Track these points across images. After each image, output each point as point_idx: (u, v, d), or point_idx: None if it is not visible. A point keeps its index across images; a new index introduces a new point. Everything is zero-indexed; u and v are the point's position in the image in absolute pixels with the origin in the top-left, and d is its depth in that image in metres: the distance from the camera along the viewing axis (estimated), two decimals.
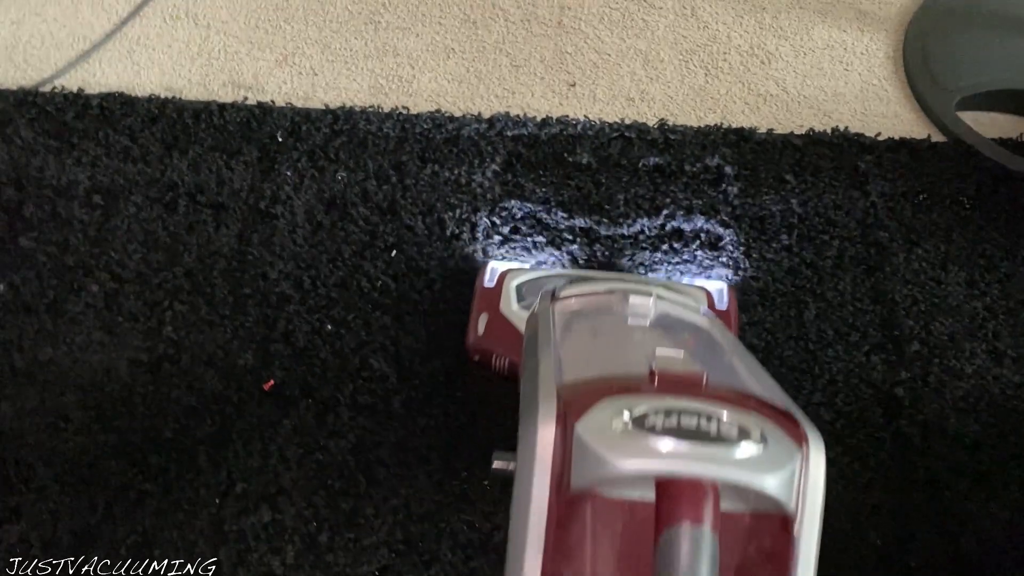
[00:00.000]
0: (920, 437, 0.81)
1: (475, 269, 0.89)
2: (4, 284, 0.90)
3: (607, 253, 0.91)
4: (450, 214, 0.94)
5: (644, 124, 1.00)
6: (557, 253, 0.90)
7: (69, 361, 0.86)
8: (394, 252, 0.92)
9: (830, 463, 0.79)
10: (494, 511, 0.78)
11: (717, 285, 0.85)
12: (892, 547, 0.76)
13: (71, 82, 1.06)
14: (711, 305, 0.81)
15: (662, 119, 1.01)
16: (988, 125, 1.00)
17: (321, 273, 0.90)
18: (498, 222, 0.93)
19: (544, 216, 0.93)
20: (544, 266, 0.89)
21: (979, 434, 0.81)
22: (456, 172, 0.97)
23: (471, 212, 0.94)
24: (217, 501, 0.79)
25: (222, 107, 1.02)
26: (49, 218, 0.95)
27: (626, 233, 0.92)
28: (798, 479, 0.39)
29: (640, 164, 0.96)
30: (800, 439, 0.40)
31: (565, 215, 0.93)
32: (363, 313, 0.88)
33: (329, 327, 0.87)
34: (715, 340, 0.58)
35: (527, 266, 0.87)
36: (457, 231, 0.93)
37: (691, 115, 1.02)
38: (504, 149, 0.98)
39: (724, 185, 0.95)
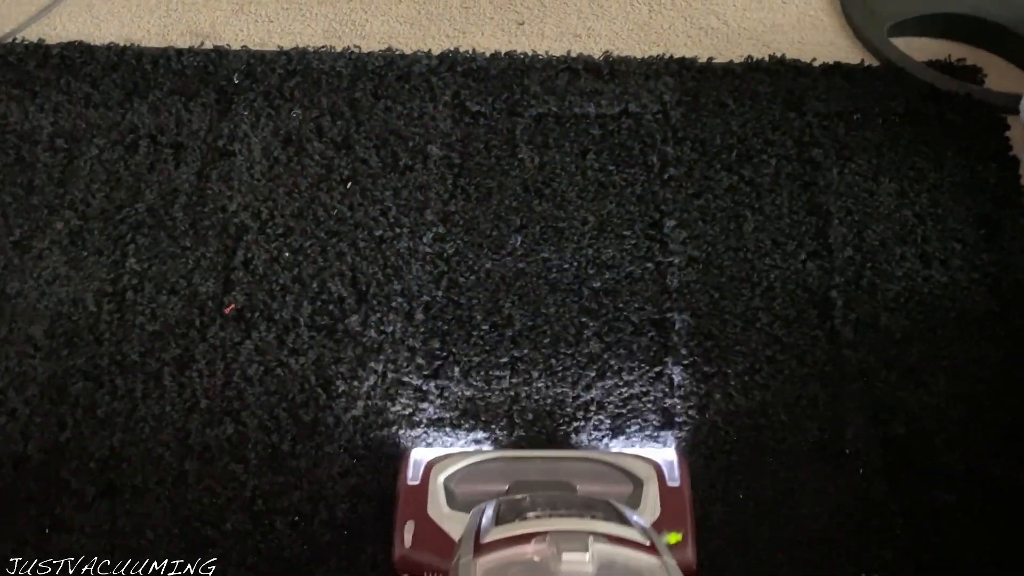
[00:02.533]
0: (853, 334, 0.85)
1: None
2: None
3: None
4: (403, 146, 0.97)
5: (590, 56, 1.04)
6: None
7: (36, 294, 0.89)
8: (349, 184, 0.95)
9: (768, 361, 0.83)
10: None
11: (667, 456, 0.75)
12: (827, 435, 0.80)
13: (32, 34, 1.08)
14: (662, 481, 0.72)
15: (607, 51, 1.04)
16: (919, 49, 1.04)
17: (279, 204, 0.94)
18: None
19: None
20: (472, 445, 0.82)
21: (908, 329, 0.85)
22: (408, 107, 1.00)
23: (424, 144, 0.97)
24: (183, 418, 0.82)
25: (180, 52, 1.05)
26: (14, 162, 0.97)
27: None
28: None
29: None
30: None
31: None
32: (320, 241, 0.91)
33: (287, 254, 0.91)
34: None
35: (453, 449, 0.80)
36: (410, 162, 0.96)
37: (635, 48, 1.06)
38: (455, 83, 1.02)
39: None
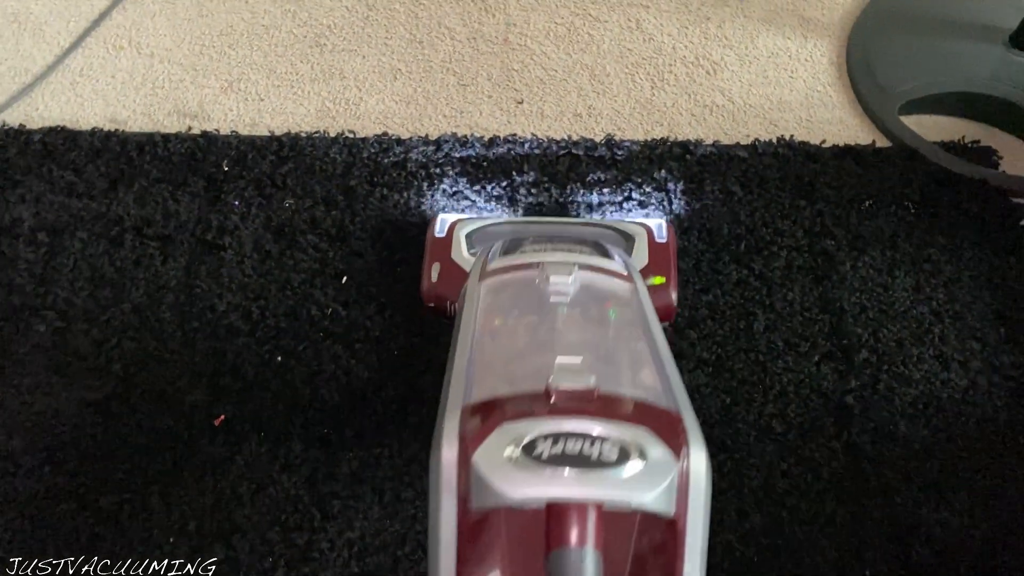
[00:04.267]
0: (871, 445, 0.81)
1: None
2: None
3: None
4: (399, 237, 0.94)
5: (591, 140, 1.00)
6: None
7: (17, 403, 0.85)
8: (344, 279, 0.92)
9: (783, 475, 0.79)
10: None
11: (657, 221, 0.87)
12: (846, 556, 0.77)
13: (13, 117, 1.04)
14: (651, 238, 0.85)
15: (609, 134, 1.01)
16: (931, 128, 1.01)
17: (270, 303, 0.90)
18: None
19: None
20: (492, 214, 0.92)
21: (928, 440, 0.82)
22: (405, 195, 0.96)
23: (420, 235, 0.94)
24: (171, 541, 0.78)
25: (166, 138, 1.01)
26: None
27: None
28: (680, 482, 0.44)
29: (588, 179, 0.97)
30: (680, 445, 0.45)
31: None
32: (313, 343, 0.88)
33: (279, 358, 0.87)
34: (628, 316, 0.61)
35: (475, 216, 0.90)
36: (406, 256, 0.93)
37: (638, 128, 1.02)
38: (452, 171, 0.98)
39: (670, 196, 0.96)
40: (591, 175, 0.97)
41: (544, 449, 0.43)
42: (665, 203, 0.95)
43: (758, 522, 0.78)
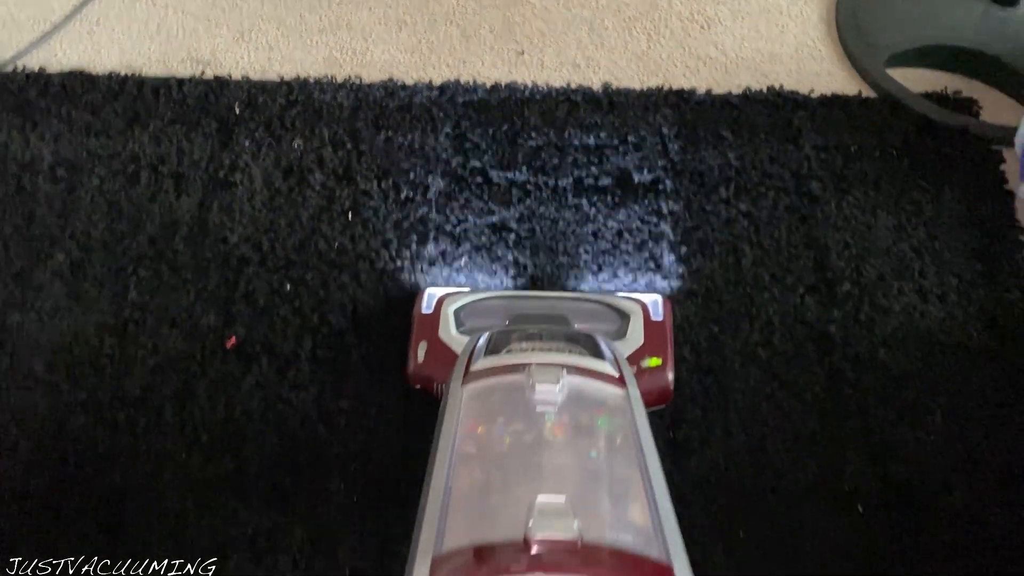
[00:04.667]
0: (852, 371, 0.85)
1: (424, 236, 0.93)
2: None
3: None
4: (404, 178, 0.98)
5: (589, 88, 1.04)
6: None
7: (37, 327, 0.89)
8: (351, 215, 0.96)
9: (767, 398, 0.84)
10: None
11: (652, 297, 0.85)
12: (826, 472, 0.81)
13: (33, 61, 1.08)
14: (647, 316, 0.83)
15: (606, 83, 1.05)
16: (916, 80, 1.05)
17: (280, 236, 0.94)
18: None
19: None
20: (480, 289, 0.89)
21: (906, 366, 0.86)
22: (409, 137, 1.00)
23: (424, 175, 0.98)
24: (184, 454, 0.82)
25: (181, 82, 1.05)
26: (15, 192, 0.97)
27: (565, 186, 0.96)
28: None
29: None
30: None
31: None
32: (321, 273, 0.92)
33: (288, 287, 0.91)
34: (619, 426, 0.58)
35: (464, 289, 0.88)
36: (411, 194, 0.97)
37: (634, 79, 1.06)
38: (455, 114, 1.02)
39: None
40: (589, 119, 1.01)
41: None
42: (659, 147, 0.99)
43: (743, 441, 0.82)
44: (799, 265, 0.92)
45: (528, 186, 0.97)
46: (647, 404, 0.62)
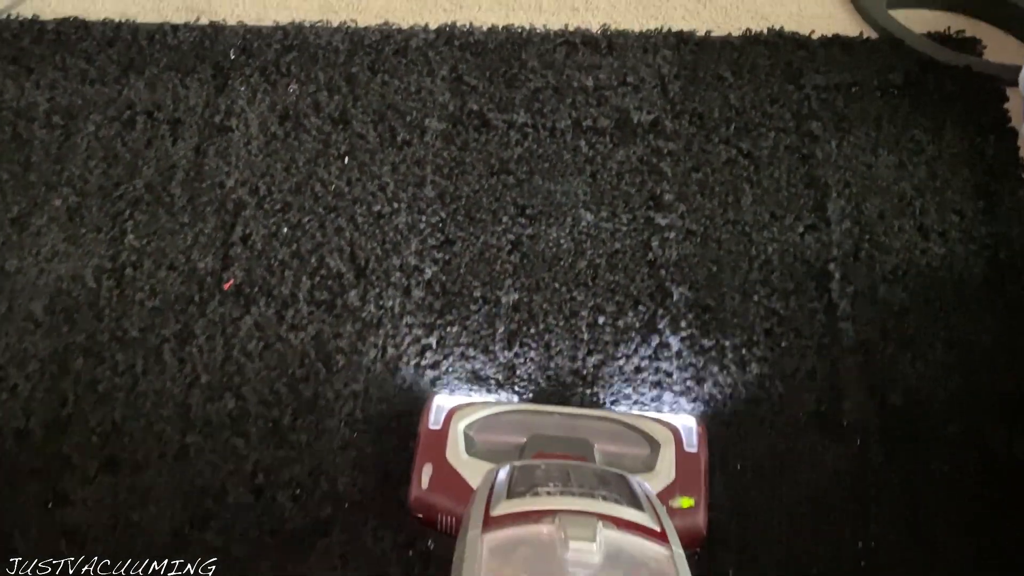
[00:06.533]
0: (851, 306, 0.85)
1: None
2: None
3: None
4: (401, 121, 0.97)
5: (588, 30, 1.03)
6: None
7: (36, 270, 0.89)
8: (347, 159, 0.95)
9: (766, 333, 0.83)
10: None
11: (686, 421, 0.75)
12: (825, 406, 0.81)
13: (26, 9, 1.08)
14: (679, 446, 0.73)
15: (605, 25, 1.04)
16: (918, 21, 1.04)
17: (276, 180, 0.94)
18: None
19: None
20: (493, 399, 0.82)
21: (906, 301, 0.85)
22: (406, 81, 1.00)
23: (421, 119, 0.97)
24: (183, 393, 0.82)
25: (175, 28, 1.04)
26: (11, 139, 0.97)
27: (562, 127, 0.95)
28: None
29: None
30: None
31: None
32: (318, 216, 0.91)
33: (285, 230, 0.91)
34: None
35: (476, 399, 0.80)
36: (408, 137, 0.96)
37: (633, 21, 1.05)
38: (452, 57, 1.01)
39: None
40: (588, 61, 1.00)
41: None
42: (659, 88, 0.98)
43: (740, 376, 0.82)
44: (799, 204, 0.91)
45: (527, 128, 0.96)
46: None
